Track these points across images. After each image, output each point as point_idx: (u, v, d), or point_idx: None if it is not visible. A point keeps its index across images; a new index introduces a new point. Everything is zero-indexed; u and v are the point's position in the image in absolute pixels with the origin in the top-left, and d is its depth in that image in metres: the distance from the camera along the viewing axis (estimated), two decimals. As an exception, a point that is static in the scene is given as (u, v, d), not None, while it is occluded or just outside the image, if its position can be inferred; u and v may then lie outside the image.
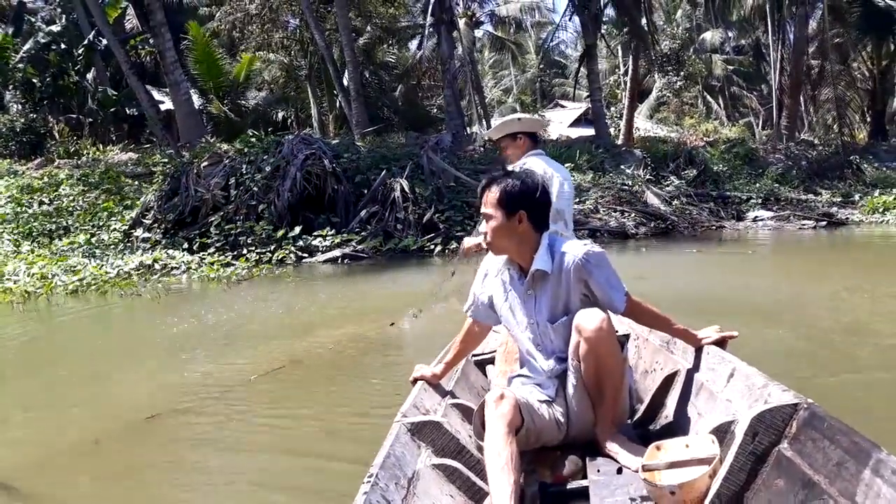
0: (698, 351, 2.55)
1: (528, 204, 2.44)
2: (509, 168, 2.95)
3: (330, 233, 12.09)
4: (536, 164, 3.61)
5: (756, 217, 15.19)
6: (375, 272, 10.44)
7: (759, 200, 16.10)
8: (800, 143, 21.29)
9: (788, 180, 18.07)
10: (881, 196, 15.81)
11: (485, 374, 3.29)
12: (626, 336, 3.13)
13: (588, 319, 2.30)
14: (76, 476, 3.42)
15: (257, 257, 11.14)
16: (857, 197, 16.61)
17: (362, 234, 12.23)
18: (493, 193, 2.44)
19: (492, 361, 3.25)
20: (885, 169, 19.23)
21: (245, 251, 11.34)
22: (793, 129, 21.99)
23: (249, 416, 4.14)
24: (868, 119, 29.19)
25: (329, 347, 5.62)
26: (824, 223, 14.39)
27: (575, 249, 2.40)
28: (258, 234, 11.70)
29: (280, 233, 11.76)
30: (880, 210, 15.15)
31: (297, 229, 11.88)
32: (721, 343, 2.52)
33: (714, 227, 14.48)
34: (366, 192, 13.08)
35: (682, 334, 2.59)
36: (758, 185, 17.21)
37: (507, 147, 3.83)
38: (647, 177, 16.51)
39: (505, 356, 3.04)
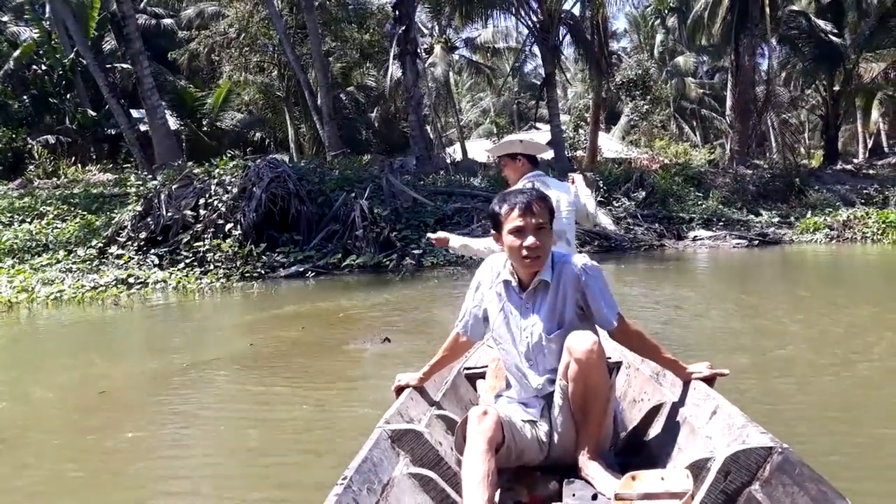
0: (686, 385, 2.57)
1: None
2: (513, 188, 3.35)
3: (293, 250, 12.99)
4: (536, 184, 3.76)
5: (695, 236, 16.28)
6: (331, 286, 11.30)
7: (702, 221, 17.22)
8: (749, 165, 22.48)
9: (733, 202, 19.25)
10: (813, 217, 16.99)
11: (475, 388, 3.31)
12: (618, 364, 3.12)
13: (579, 341, 2.31)
14: (42, 433, 4.30)
15: (224, 273, 11.98)
16: (793, 218, 17.78)
17: (322, 251, 13.14)
18: (544, 205, 2.46)
19: (483, 376, 3.26)
20: (825, 191, 20.41)
21: (212, 267, 12.19)
22: (742, 153, 23.21)
23: (195, 396, 5.03)
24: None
25: (273, 344, 6.52)
26: (757, 242, 15.51)
27: (574, 261, 2.46)
28: (225, 252, 12.51)
29: (245, 250, 12.61)
30: (811, 230, 16.31)
31: (262, 247, 12.76)
32: (710, 379, 2.54)
33: (656, 246, 15.53)
34: (328, 211, 13.99)
35: (670, 365, 2.60)
36: (703, 206, 18.33)
37: (507, 166, 3.96)
38: (599, 199, 17.53)
39: (496, 372, 3.04)
